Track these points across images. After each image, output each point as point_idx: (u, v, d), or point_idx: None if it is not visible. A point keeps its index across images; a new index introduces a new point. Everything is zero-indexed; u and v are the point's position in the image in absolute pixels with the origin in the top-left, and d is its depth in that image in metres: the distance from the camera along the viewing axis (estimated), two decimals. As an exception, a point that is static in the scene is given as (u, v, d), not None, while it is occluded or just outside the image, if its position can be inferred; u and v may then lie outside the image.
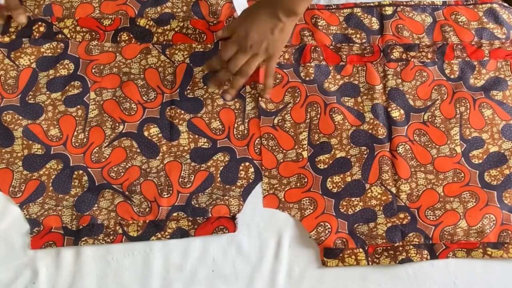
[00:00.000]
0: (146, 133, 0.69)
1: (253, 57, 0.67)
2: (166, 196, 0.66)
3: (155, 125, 0.69)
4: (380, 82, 0.73)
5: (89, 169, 0.67)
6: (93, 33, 0.73)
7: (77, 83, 0.70)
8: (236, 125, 0.70)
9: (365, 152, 0.69)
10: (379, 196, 0.68)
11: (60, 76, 0.71)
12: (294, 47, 0.75)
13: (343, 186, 0.68)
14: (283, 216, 0.67)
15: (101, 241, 0.64)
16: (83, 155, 0.67)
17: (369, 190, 0.68)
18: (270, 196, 0.68)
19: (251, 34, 0.65)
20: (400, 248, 0.65)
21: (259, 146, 0.70)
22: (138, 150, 0.68)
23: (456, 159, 0.70)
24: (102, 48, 0.73)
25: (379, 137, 0.70)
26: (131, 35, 0.74)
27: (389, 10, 0.79)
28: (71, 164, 0.67)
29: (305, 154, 0.69)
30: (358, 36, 0.77)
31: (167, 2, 0.76)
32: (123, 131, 0.69)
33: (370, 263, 0.65)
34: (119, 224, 0.65)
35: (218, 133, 0.70)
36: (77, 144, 0.68)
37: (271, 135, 0.70)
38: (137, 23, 0.74)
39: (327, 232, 0.65)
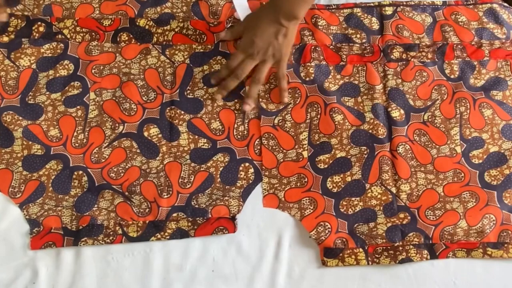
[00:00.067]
0: (146, 134, 0.69)
1: (262, 63, 0.69)
2: (166, 196, 0.66)
3: (155, 126, 0.69)
4: (380, 82, 0.73)
5: (89, 170, 0.67)
6: (93, 34, 0.73)
7: (77, 83, 0.70)
8: (236, 126, 0.70)
9: (365, 152, 0.69)
10: (379, 196, 0.67)
11: (60, 76, 0.71)
12: (294, 47, 0.75)
13: (343, 186, 0.68)
14: (283, 216, 0.67)
15: (100, 241, 0.63)
16: (83, 155, 0.67)
17: (369, 190, 0.68)
18: (270, 195, 0.68)
19: (256, 41, 0.68)
20: (400, 248, 0.65)
21: (259, 147, 0.70)
22: (138, 151, 0.68)
23: (456, 159, 0.70)
24: (102, 49, 0.73)
25: (379, 137, 0.70)
26: (131, 36, 0.74)
27: (389, 10, 0.79)
28: (71, 165, 0.67)
29: (305, 154, 0.69)
30: (358, 36, 0.77)
31: (167, 2, 0.76)
32: (123, 132, 0.69)
33: (370, 263, 0.65)
34: (119, 224, 0.65)
35: (218, 134, 0.70)
36: (77, 144, 0.68)
37: (272, 134, 0.70)
38: (137, 24, 0.74)
39: (327, 232, 0.65)
